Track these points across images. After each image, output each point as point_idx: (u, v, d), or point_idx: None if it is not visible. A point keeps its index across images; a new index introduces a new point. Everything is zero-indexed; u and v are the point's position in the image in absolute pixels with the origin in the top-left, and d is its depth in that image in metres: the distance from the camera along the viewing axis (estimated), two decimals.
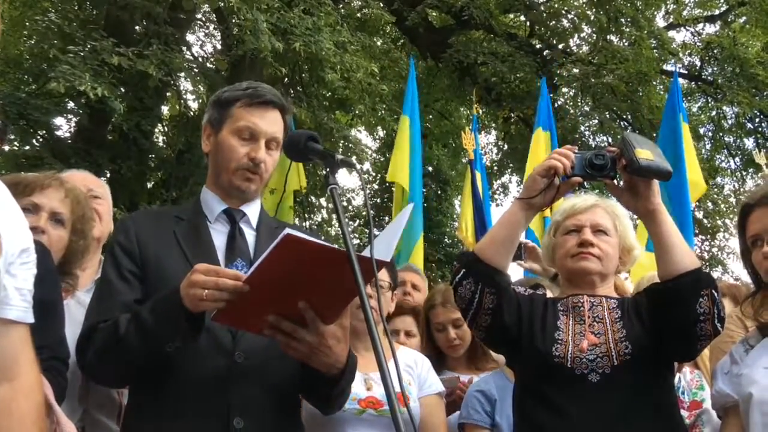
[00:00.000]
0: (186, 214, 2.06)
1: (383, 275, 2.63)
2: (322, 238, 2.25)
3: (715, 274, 12.50)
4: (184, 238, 1.97)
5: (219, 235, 2.01)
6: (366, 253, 1.59)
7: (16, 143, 8.93)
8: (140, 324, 1.75)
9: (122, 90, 8.12)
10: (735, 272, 12.87)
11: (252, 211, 2.10)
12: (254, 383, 1.85)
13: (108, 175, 8.73)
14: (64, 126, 10.01)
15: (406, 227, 5.78)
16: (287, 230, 1.56)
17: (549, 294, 2.79)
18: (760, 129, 13.21)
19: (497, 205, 15.72)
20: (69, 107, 9.32)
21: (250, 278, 1.62)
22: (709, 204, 12.90)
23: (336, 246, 1.65)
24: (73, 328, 2.08)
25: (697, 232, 6.13)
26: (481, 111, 12.41)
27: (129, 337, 1.75)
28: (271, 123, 2.04)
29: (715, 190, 13.59)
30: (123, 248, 1.94)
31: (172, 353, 1.78)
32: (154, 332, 1.73)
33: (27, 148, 8.86)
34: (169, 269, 1.86)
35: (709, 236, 13.26)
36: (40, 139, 9.11)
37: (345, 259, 1.60)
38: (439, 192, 16.26)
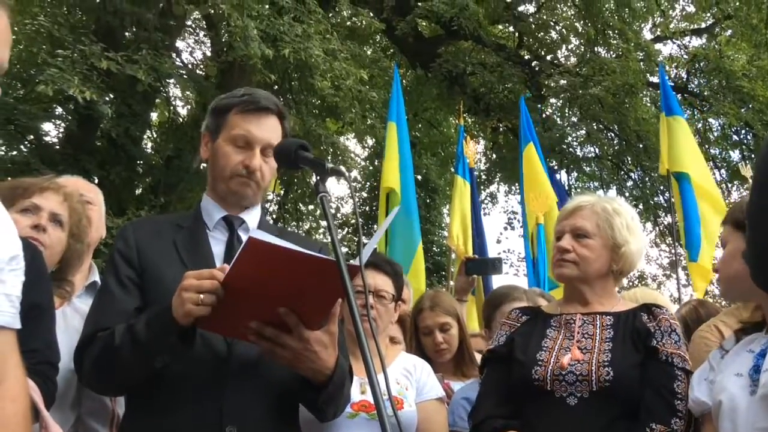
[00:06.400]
0: (186, 222, 2.06)
1: (387, 286, 2.62)
2: None
3: None
4: (182, 246, 1.97)
5: (217, 243, 2.01)
6: (357, 260, 1.58)
7: (3, 148, 8.88)
8: (134, 336, 1.74)
9: (111, 96, 8.10)
10: None
11: (251, 218, 2.09)
12: (248, 391, 1.83)
13: (96, 181, 8.67)
14: (52, 132, 9.97)
15: (404, 238, 5.79)
16: (251, 233, 1.54)
17: (543, 303, 2.80)
18: (745, 141, 13.34)
19: (485, 214, 15.81)
20: (57, 113, 9.27)
21: (223, 281, 1.62)
22: None
23: (305, 250, 1.62)
24: (69, 335, 2.07)
25: (682, 243, 6.19)
26: (467, 122, 12.44)
27: (123, 349, 1.75)
28: (266, 130, 2.02)
29: None
30: (122, 255, 1.94)
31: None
32: (146, 346, 1.73)
33: (14, 153, 8.81)
34: (167, 277, 1.85)
35: None
36: (28, 145, 9.06)
37: (319, 264, 1.60)
38: (427, 201, 16.27)
